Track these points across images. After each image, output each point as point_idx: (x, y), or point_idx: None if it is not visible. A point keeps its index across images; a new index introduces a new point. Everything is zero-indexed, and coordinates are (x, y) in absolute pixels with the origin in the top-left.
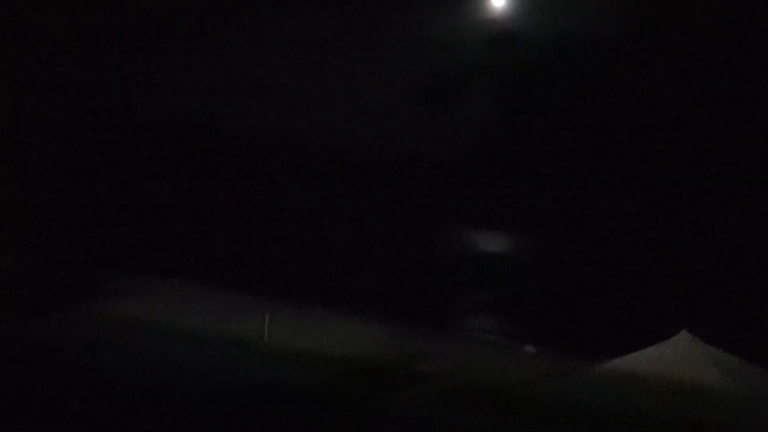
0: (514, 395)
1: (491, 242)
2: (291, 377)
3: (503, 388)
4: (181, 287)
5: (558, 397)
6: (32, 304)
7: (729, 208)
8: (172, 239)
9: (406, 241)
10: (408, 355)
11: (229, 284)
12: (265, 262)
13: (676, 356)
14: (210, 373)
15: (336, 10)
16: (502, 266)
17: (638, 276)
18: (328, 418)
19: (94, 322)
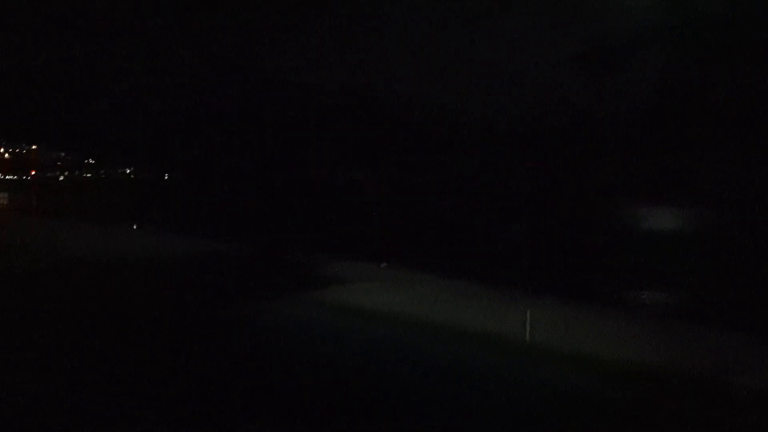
0: None
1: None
2: (572, 384)
3: None
4: (392, 272)
5: None
6: (257, 291)
7: None
8: (363, 222)
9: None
10: (710, 362)
11: (440, 269)
12: (472, 245)
13: None
14: (470, 373)
15: None
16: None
17: None
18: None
19: (329, 310)
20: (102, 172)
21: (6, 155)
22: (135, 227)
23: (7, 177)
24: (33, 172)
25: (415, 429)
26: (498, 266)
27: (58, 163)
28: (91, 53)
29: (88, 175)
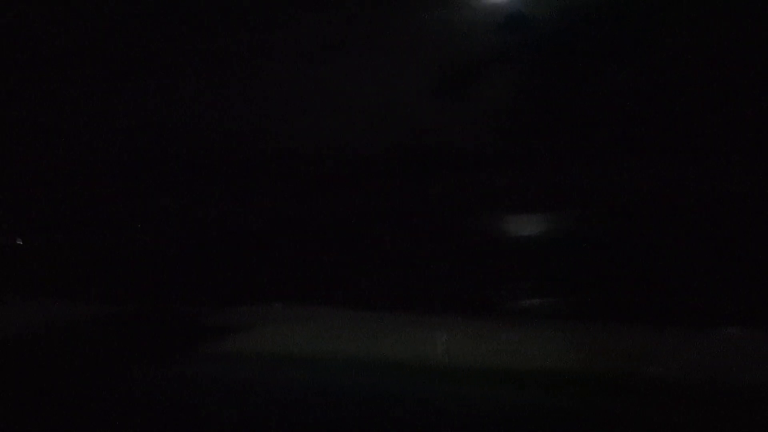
0: None
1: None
2: (504, 399)
3: None
4: (288, 311)
5: None
6: (151, 351)
7: None
8: (242, 263)
9: (471, 234)
10: (622, 357)
11: (336, 302)
12: (349, 273)
13: None
14: (403, 403)
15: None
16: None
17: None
18: None
19: (232, 363)
20: None
21: None
22: None
23: None
24: None
25: None
26: (392, 289)
27: None
28: None
29: None
